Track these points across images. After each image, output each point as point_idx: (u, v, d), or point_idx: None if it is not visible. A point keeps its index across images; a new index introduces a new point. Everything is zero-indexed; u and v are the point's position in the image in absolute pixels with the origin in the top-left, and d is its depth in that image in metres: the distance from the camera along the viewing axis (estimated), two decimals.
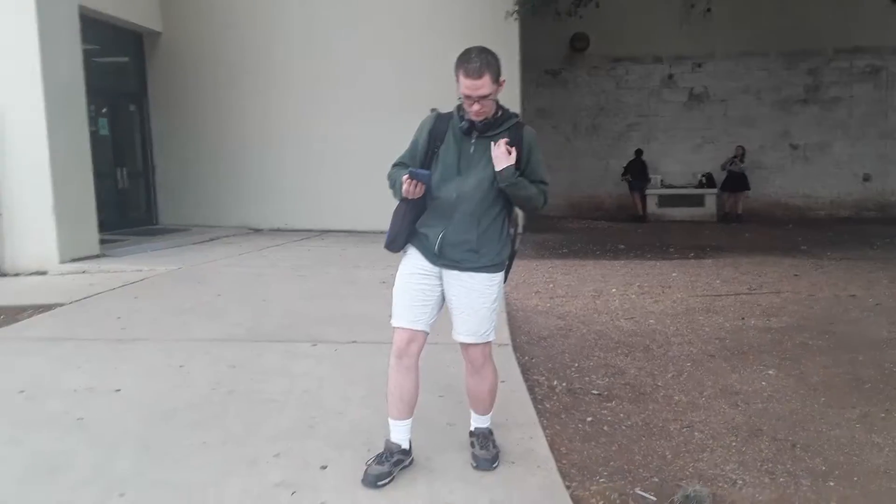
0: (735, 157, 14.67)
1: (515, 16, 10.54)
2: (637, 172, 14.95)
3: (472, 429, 2.95)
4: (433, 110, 2.79)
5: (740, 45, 15.12)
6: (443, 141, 2.68)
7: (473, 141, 2.66)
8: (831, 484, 2.85)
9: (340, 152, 11.17)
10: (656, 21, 14.64)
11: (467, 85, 2.51)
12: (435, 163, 2.68)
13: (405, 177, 2.56)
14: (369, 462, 2.67)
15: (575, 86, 15.86)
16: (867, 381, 4.09)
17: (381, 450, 2.73)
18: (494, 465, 2.80)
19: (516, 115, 2.74)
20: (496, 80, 2.55)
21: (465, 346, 2.79)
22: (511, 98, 10.77)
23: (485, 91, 2.52)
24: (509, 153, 2.59)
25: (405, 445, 2.76)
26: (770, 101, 15.43)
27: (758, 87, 15.41)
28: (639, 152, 15.05)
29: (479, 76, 2.50)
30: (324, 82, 11.37)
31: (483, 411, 2.92)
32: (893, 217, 14.71)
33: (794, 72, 15.29)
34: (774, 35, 14.92)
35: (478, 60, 2.50)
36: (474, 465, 2.80)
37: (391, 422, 2.76)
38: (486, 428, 2.92)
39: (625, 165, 15.13)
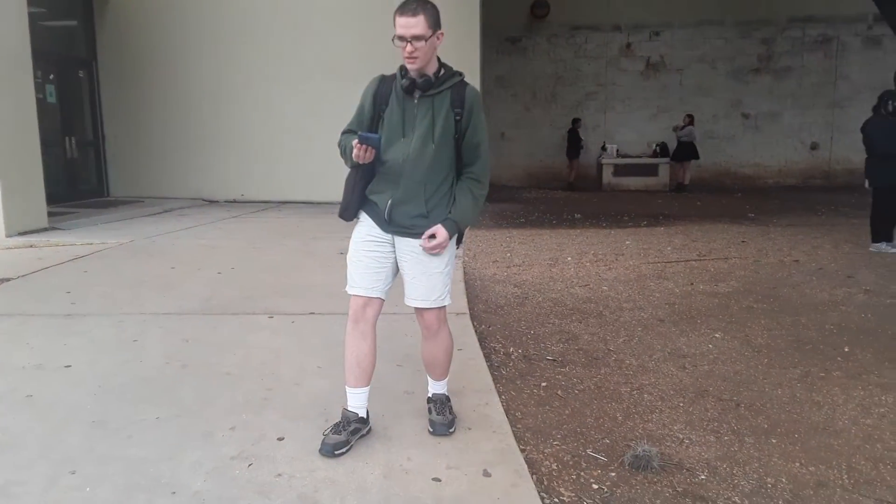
0: (683, 125, 14.81)
1: None
2: (571, 142, 15.29)
3: (429, 395, 2.98)
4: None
5: (697, 14, 15.27)
6: (387, 103, 2.64)
7: (416, 100, 2.61)
8: (773, 441, 2.97)
9: (297, 121, 11.00)
10: None
11: (401, 24, 2.46)
12: (381, 126, 2.64)
13: (355, 142, 2.50)
14: (326, 432, 2.68)
15: (534, 54, 15.86)
16: (808, 343, 4.26)
17: (338, 419, 2.74)
18: (451, 431, 2.84)
19: (460, 74, 2.67)
20: (433, 25, 2.50)
21: (420, 312, 2.80)
22: (471, 65, 10.79)
23: (418, 31, 2.46)
24: (433, 243, 2.62)
25: (362, 413, 2.76)
26: (724, 70, 15.67)
27: (713, 57, 15.63)
28: (575, 122, 15.28)
29: (414, 14, 2.45)
30: (281, 47, 11.15)
31: (439, 376, 2.95)
32: (838, 185, 15.19)
33: (749, 41, 15.53)
34: (731, 4, 15.12)
35: (415, 2, 2.48)
36: (431, 430, 2.84)
37: (348, 390, 2.76)
38: (443, 394, 2.96)
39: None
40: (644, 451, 2.75)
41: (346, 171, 2.75)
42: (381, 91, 2.65)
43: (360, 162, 2.53)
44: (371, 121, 2.67)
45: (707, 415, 3.25)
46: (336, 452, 2.61)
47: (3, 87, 7.26)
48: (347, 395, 2.77)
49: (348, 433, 2.67)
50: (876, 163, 7.06)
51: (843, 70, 15.47)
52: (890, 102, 6.98)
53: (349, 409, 2.75)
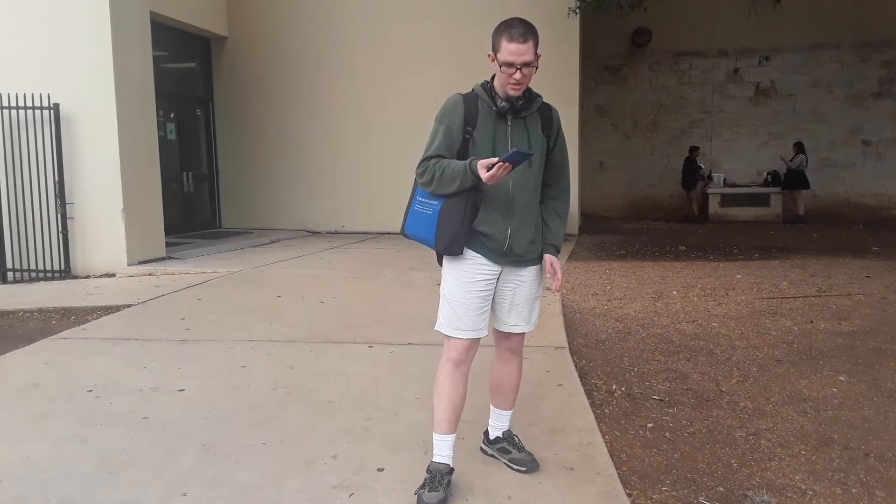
0: (793, 155, 14.03)
1: (577, 12, 10.40)
2: (688, 172, 14.61)
3: (498, 434, 2.85)
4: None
5: (811, 37, 14.55)
6: (475, 126, 2.52)
7: (510, 123, 2.55)
8: None
9: (397, 154, 11.24)
10: (722, 13, 14.25)
11: (511, 50, 2.39)
12: (471, 149, 2.52)
13: (490, 161, 2.32)
14: (420, 491, 2.50)
15: (635, 82, 15.58)
16: None
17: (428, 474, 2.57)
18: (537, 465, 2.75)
19: (540, 96, 2.63)
20: (537, 49, 2.45)
21: (510, 336, 2.74)
22: (570, 95, 10.75)
23: (528, 57, 2.40)
24: (559, 277, 2.63)
25: (451, 463, 2.60)
26: (841, 95, 14.80)
27: (828, 81, 14.81)
28: (693, 150, 14.64)
29: (525, 41, 2.39)
30: (384, 83, 11.51)
31: (511, 404, 2.84)
32: None
33: (868, 64, 14.62)
34: (848, 26, 14.31)
35: (522, 26, 2.42)
36: (522, 469, 2.74)
37: (439, 438, 2.59)
38: (510, 430, 2.87)
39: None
40: (763, 500, 2.57)
41: None
42: (470, 112, 2.53)
43: (491, 183, 2.38)
44: (461, 144, 2.53)
45: (832, 464, 2.99)
46: None
47: (129, 125, 7.83)
48: (436, 443, 2.59)
49: (444, 488, 2.51)
50: None
51: None
52: None
53: (440, 460, 2.58)
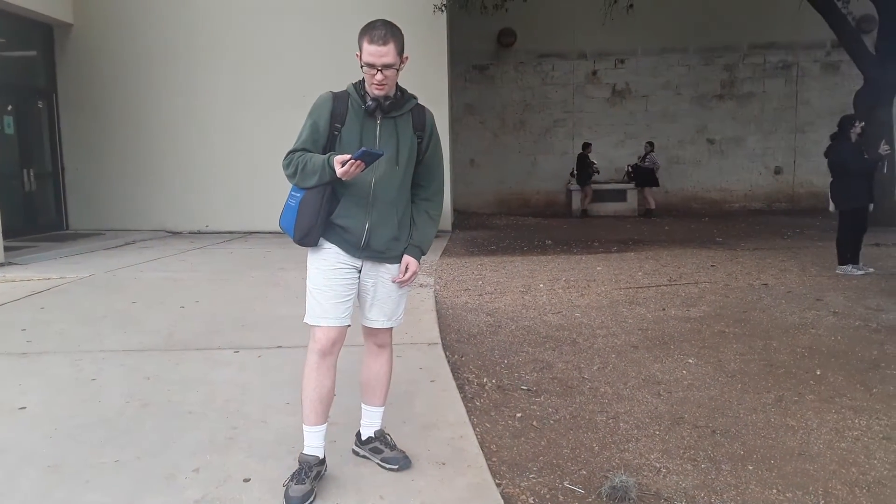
0: (644, 153, 14.98)
1: (443, 9, 10.53)
2: (582, 167, 14.99)
3: (370, 434, 2.83)
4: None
5: (661, 42, 15.60)
6: (343, 122, 2.54)
7: (379, 122, 2.56)
8: (750, 468, 2.94)
9: (264, 150, 10.89)
10: (581, 17, 14.93)
11: (371, 52, 2.41)
12: (338, 145, 2.54)
13: (344, 158, 2.34)
14: (288, 483, 2.50)
15: (502, 81, 16.01)
16: (780, 366, 4.26)
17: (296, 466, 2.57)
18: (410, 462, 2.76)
19: (415, 97, 2.65)
20: (401, 52, 2.47)
21: (375, 332, 2.75)
22: (439, 92, 10.84)
23: (389, 59, 2.42)
24: (408, 275, 2.67)
25: (321, 455, 2.61)
26: (688, 96, 15.99)
27: (677, 83, 15.95)
28: (585, 146, 15.06)
29: (384, 43, 2.41)
30: (244, 76, 11.10)
31: (382, 400, 2.83)
32: (803, 208, 15.51)
33: (711, 67, 15.89)
34: (693, 31, 15.47)
35: (383, 28, 2.43)
36: (394, 467, 2.73)
37: (308, 430, 2.60)
38: (383, 429, 2.86)
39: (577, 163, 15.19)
40: (621, 481, 2.70)
41: None
42: (338, 108, 2.55)
43: (345, 179, 2.39)
44: (326, 140, 2.56)
45: (683, 442, 3.21)
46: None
47: None
48: (306, 435, 2.61)
49: (311, 480, 2.51)
50: (841, 185, 7.18)
51: (804, 95, 15.88)
52: (857, 124, 7.14)
53: (308, 452, 2.59)
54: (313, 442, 2.60)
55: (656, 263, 8.10)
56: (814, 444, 3.17)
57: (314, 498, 2.49)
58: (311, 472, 2.53)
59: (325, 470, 2.65)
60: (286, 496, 2.45)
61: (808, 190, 15.81)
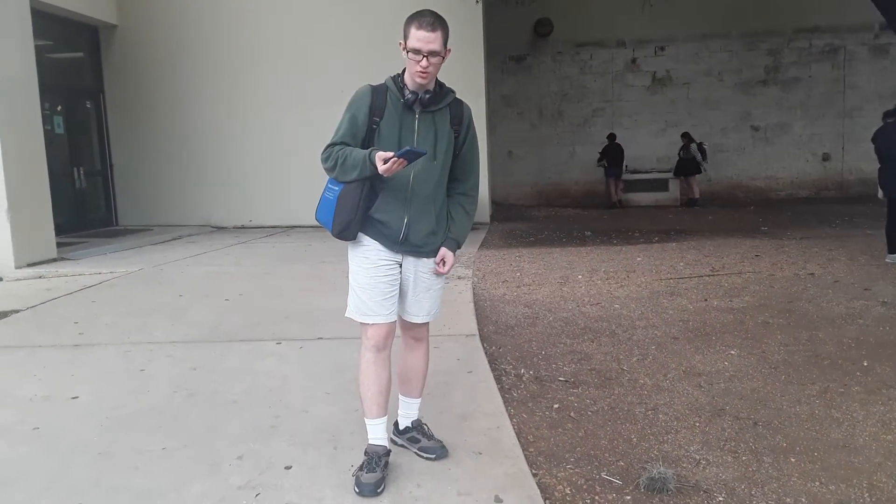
0: (683, 144, 14.70)
1: (479, 1, 10.51)
2: (612, 158, 14.81)
3: (408, 424, 2.87)
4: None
5: (702, 27, 15.27)
6: (382, 116, 2.54)
7: (417, 115, 2.57)
8: (792, 460, 2.89)
9: (306, 146, 11.01)
10: (619, 4, 14.72)
11: (420, 37, 2.41)
12: (376, 139, 2.54)
13: (387, 155, 2.34)
14: (359, 472, 2.55)
15: (539, 72, 15.88)
16: (826, 358, 4.17)
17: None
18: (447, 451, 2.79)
19: (453, 91, 2.66)
20: (446, 42, 2.48)
21: (412, 325, 2.77)
22: (476, 84, 10.84)
23: (436, 47, 2.42)
24: (446, 267, 2.69)
25: (388, 445, 2.66)
26: (731, 83, 15.63)
27: (719, 70, 15.60)
28: (612, 137, 14.93)
29: (433, 29, 2.42)
30: (289, 74, 11.25)
31: (419, 392, 2.86)
32: (852, 196, 15.05)
33: (755, 53, 15.50)
34: (735, 16, 15.11)
35: (432, 16, 2.45)
36: (431, 456, 2.76)
37: (372, 422, 2.64)
38: (420, 419, 2.89)
39: (600, 151, 15.03)
40: (660, 473, 2.68)
41: None
42: (376, 102, 2.55)
43: (386, 176, 2.41)
44: (365, 133, 2.56)
45: (724, 434, 3.17)
46: (378, 491, 2.49)
47: (11, 120, 7.33)
48: (370, 428, 2.65)
49: (382, 468, 2.56)
50: (890, 172, 6.96)
51: (852, 80, 15.37)
52: None
53: (375, 443, 2.63)
54: (378, 433, 2.64)
55: (699, 253, 7.97)
56: (859, 437, 3.10)
57: (385, 486, 2.54)
58: (381, 461, 2.57)
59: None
60: (358, 483, 2.51)
61: (858, 177, 15.32)
